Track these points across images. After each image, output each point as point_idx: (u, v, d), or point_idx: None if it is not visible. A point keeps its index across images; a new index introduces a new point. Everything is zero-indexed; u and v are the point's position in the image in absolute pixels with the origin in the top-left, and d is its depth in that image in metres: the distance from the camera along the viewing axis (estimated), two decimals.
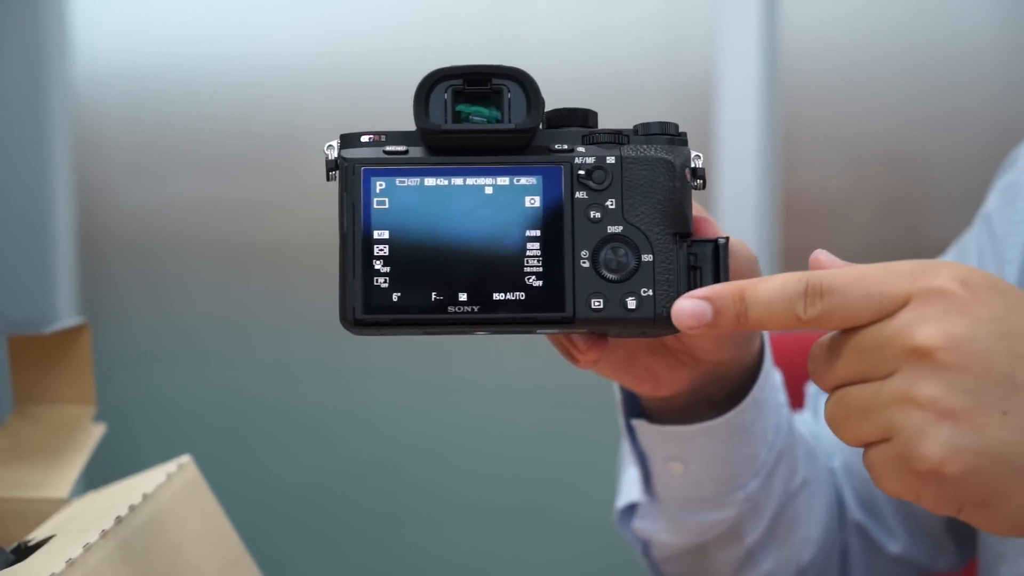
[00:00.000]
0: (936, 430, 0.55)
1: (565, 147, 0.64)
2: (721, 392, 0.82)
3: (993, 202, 1.00)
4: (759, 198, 1.88)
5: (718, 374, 0.79)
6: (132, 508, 0.71)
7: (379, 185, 0.63)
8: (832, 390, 0.60)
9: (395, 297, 0.62)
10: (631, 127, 0.65)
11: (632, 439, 0.87)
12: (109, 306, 2.28)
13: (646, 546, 0.97)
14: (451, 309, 0.62)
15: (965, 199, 1.30)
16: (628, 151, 0.64)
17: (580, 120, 0.65)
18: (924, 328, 0.56)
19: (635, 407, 0.86)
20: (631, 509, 0.97)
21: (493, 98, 0.63)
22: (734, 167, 1.85)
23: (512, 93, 0.63)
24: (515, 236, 0.63)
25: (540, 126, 0.64)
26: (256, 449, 2.21)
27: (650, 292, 0.63)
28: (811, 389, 1.08)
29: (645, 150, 0.64)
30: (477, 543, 2.14)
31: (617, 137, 0.64)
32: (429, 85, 0.63)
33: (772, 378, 0.87)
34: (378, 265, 0.63)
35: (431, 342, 2.14)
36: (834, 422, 0.59)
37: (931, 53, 1.89)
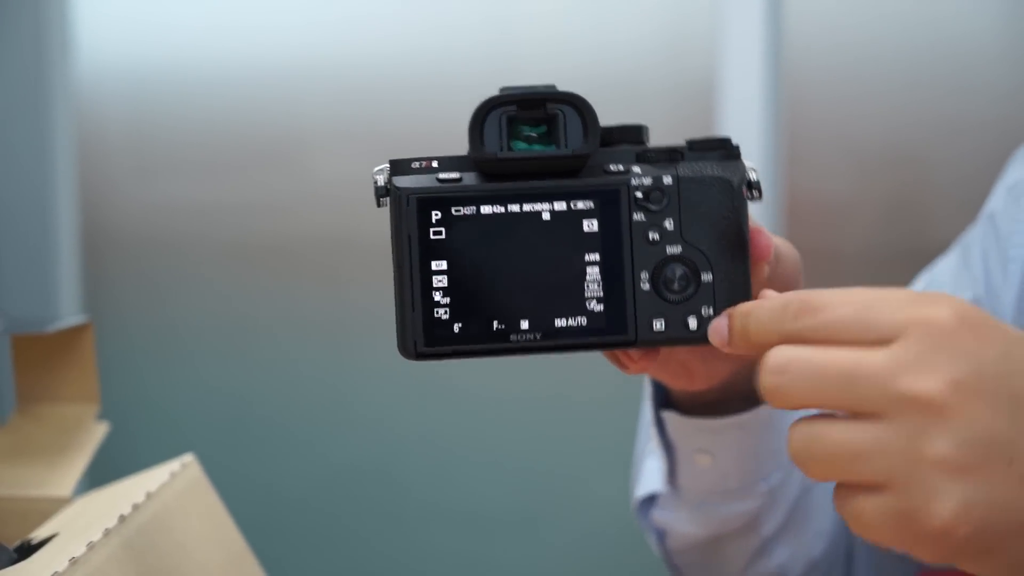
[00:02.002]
0: (949, 489, 0.52)
1: (620, 168, 0.63)
2: (751, 385, 0.82)
3: (998, 200, 1.00)
4: (763, 199, 1.87)
5: (751, 368, 0.80)
6: (135, 507, 0.71)
7: (435, 215, 0.62)
8: (798, 409, 0.55)
9: (456, 328, 0.62)
10: (683, 142, 0.64)
11: (660, 430, 0.88)
12: (111, 306, 2.28)
13: (661, 535, 0.98)
14: (513, 337, 0.62)
15: (969, 201, 1.30)
16: (684, 170, 0.63)
17: (632, 137, 0.64)
18: (929, 375, 0.52)
19: (663, 398, 0.87)
20: (650, 499, 0.97)
21: (548, 122, 0.62)
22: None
23: (568, 117, 0.62)
24: (574, 261, 0.62)
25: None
26: (257, 450, 2.21)
27: (711, 311, 0.63)
28: None
29: (701, 168, 0.63)
30: (474, 547, 2.14)
31: (671, 155, 0.63)
32: (484, 113, 0.62)
33: None
34: (437, 296, 0.62)
35: None
36: (806, 457, 0.54)
37: (936, 55, 1.89)
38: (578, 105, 0.62)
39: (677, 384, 0.79)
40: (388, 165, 0.63)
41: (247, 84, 2.21)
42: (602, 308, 0.62)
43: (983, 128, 1.86)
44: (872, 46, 1.91)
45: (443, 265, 0.62)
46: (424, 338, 0.62)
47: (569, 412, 2.05)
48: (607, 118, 0.64)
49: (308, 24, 2.19)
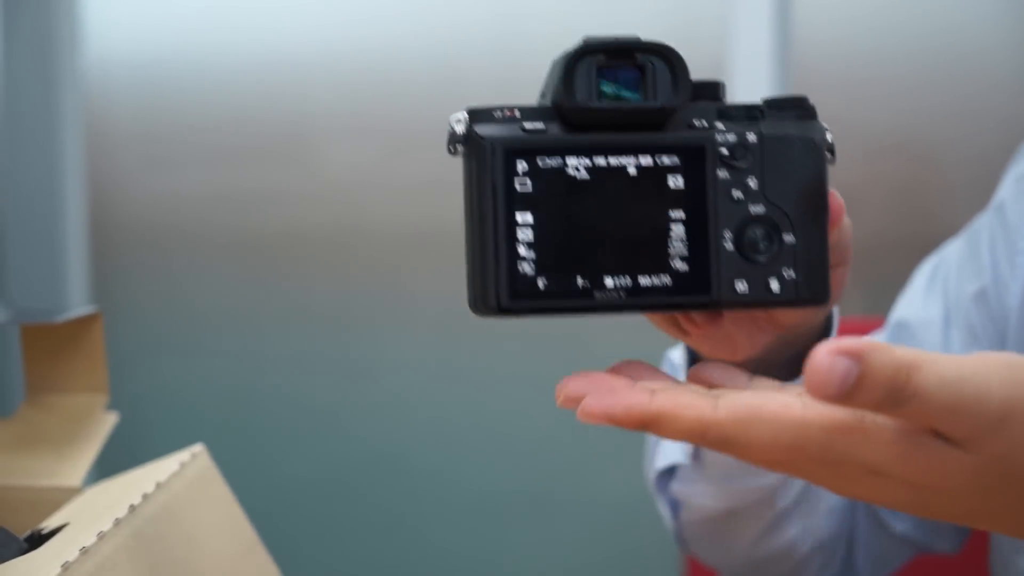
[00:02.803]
0: None
1: (704, 124, 0.61)
2: (784, 357, 0.83)
3: (1007, 191, 1.00)
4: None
5: (789, 339, 0.80)
6: (145, 497, 0.71)
7: (521, 166, 0.59)
8: None
9: (541, 284, 0.59)
10: (760, 100, 0.63)
11: None
12: (121, 295, 2.28)
13: (675, 507, 0.98)
14: (598, 295, 0.60)
15: (976, 187, 1.30)
16: (767, 128, 0.62)
17: (711, 93, 0.63)
18: None
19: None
20: (668, 471, 0.98)
21: (637, 73, 0.61)
22: None
23: (657, 68, 0.61)
24: (659, 218, 0.60)
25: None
26: (268, 438, 2.22)
27: (792, 273, 0.61)
28: None
29: (784, 127, 0.62)
30: (488, 531, 2.14)
31: (752, 112, 0.62)
32: (575, 61, 0.60)
33: None
34: (522, 250, 0.59)
35: (441, 331, 2.14)
36: None
37: (942, 42, 1.88)
38: (669, 56, 0.61)
39: (717, 354, 0.79)
40: (466, 113, 0.61)
41: (256, 74, 2.21)
42: (686, 267, 0.60)
43: (990, 115, 1.86)
44: (879, 34, 1.91)
45: (528, 217, 0.59)
46: (508, 293, 0.59)
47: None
48: None
49: (317, 14, 2.18)
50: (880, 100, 1.91)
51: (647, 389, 0.53)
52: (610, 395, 0.53)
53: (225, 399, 2.24)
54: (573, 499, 2.10)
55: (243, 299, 2.23)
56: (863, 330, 1.10)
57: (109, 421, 0.96)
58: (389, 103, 2.14)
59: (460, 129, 0.61)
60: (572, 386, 0.54)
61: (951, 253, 1.05)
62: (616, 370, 0.58)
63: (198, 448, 0.81)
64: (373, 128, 2.15)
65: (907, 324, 1.02)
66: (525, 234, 0.59)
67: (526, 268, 0.59)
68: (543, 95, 0.62)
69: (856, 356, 0.48)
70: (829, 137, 0.63)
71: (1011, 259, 0.96)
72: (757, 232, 0.61)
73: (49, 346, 0.97)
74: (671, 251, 0.60)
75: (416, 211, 2.09)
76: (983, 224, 1.01)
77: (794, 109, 0.63)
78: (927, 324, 1.01)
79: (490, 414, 2.12)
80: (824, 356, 0.48)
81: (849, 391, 0.48)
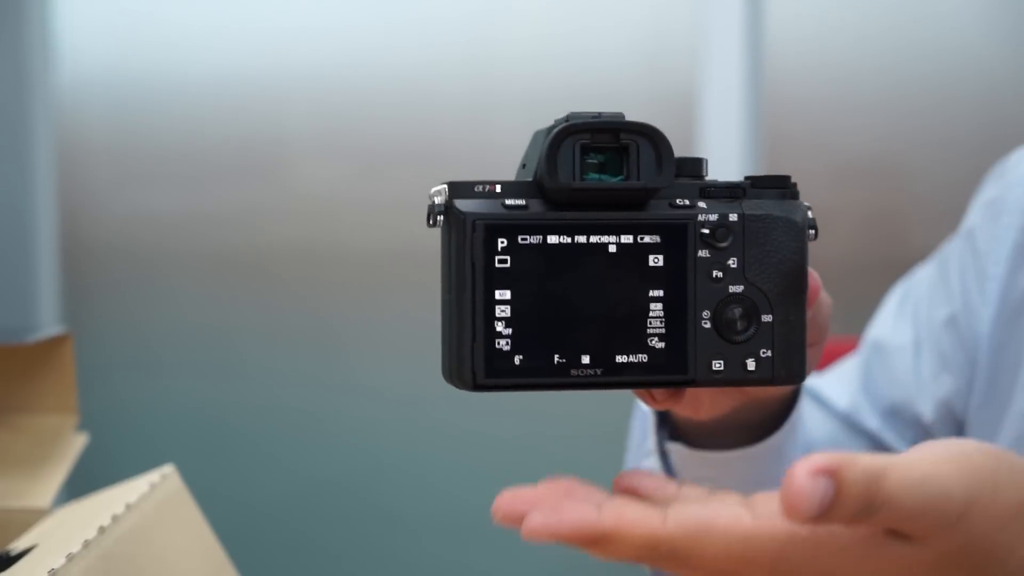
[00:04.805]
0: None
1: (686, 202, 0.61)
2: (755, 417, 0.82)
3: (976, 217, 1.00)
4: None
5: (757, 400, 0.80)
6: (115, 518, 0.71)
7: (501, 243, 0.59)
8: None
9: (517, 360, 0.59)
10: (742, 178, 0.63)
11: (663, 460, 0.87)
12: (92, 315, 2.27)
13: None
14: (574, 372, 0.60)
15: (947, 211, 1.31)
16: (749, 208, 0.62)
17: (691, 169, 0.63)
18: None
19: (665, 424, 0.86)
20: None
21: (619, 152, 0.60)
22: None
23: (642, 149, 0.60)
24: (638, 296, 0.60)
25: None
26: (237, 461, 2.21)
27: (769, 353, 0.62)
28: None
29: (766, 206, 0.62)
30: (464, 549, 2.14)
31: (734, 191, 0.62)
32: (559, 141, 0.59)
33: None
34: (500, 327, 0.59)
35: (416, 349, 2.13)
36: None
37: (915, 65, 1.90)
38: (653, 137, 0.60)
39: (682, 413, 0.79)
40: (446, 186, 0.60)
41: (228, 95, 2.21)
42: (663, 345, 0.60)
43: (960, 138, 1.87)
44: (851, 56, 1.92)
45: (507, 295, 0.59)
46: (485, 370, 0.59)
47: (556, 415, 2.05)
48: None
49: (288, 35, 2.19)
50: (852, 122, 1.92)
51: (592, 503, 0.52)
52: (554, 512, 0.51)
53: (196, 420, 2.23)
54: None
55: (216, 318, 2.23)
56: (836, 351, 1.11)
57: (79, 442, 0.96)
58: (364, 122, 2.14)
59: (439, 201, 0.60)
60: (507, 505, 0.52)
61: (921, 279, 1.05)
62: (547, 487, 0.55)
63: (168, 469, 0.81)
64: (347, 147, 2.15)
65: (882, 346, 1.02)
66: (503, 311, 0.59)
67: (503, 345, 0.59)
68: (523, 165, 0.61)
69: (832, 473, 0.47)
70: (811, 215, 0.63)
71: (981, 285, 0.96)
72: (735, 312, 0.61)
73: (19, 366, 0.97)
74: (649, 330, 0.60)
75: (390, 230, 2.09)
76: (953, 250, 1.02)
77: (776, 188, 0.63)
78: (899, 350, 1.01)
79: (464, 433, 2.12)
80: (804, 479, 0.47)
81: (826, 511, 0.47)
